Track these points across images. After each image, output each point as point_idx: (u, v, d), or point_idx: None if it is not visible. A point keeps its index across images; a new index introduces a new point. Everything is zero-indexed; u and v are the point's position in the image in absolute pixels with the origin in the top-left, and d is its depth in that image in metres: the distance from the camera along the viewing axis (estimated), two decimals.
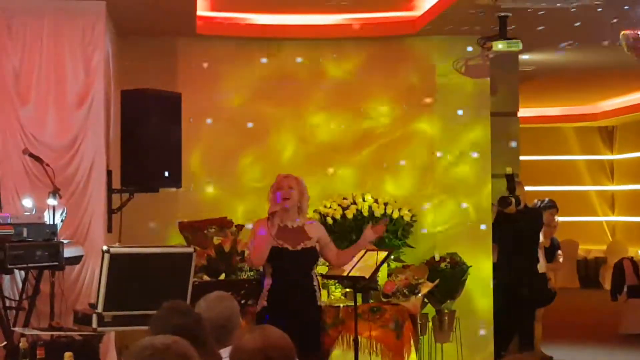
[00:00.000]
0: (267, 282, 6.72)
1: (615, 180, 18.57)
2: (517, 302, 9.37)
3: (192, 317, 3.78)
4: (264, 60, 9.56)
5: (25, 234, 6.67)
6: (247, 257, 7.59)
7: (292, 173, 7.00)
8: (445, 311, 9.03)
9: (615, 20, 7.26)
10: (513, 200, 9.24)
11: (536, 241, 9.65)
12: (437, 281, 8.62)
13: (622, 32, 6.96)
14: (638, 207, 17.42)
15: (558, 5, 7.81)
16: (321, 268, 7.55)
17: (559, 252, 10.61)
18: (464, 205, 9.50)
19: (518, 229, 9.37)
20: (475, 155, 9.57)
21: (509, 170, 9.33)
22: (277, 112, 9.54)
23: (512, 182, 9.32)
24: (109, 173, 7.89)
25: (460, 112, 9.57)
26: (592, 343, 11.53)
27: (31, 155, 7.25)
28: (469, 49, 9.35)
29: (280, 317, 6.63)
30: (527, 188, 9.93)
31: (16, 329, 6.67)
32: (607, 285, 15.10)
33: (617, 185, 18.51)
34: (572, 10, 8.04)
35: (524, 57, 10.55)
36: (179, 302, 3.96)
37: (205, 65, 9.45)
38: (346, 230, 8.78)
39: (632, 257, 13.15)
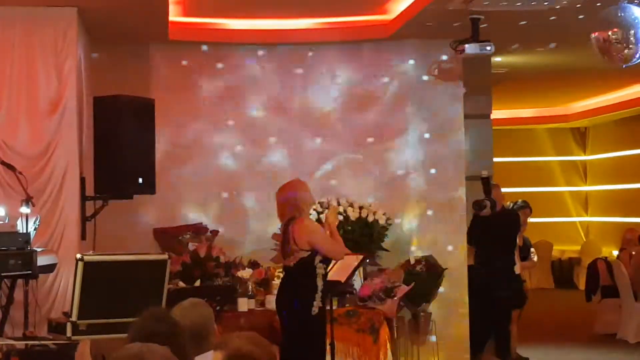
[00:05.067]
0: (319, 283, 6.86)
1: (589, 181, 18.66)
2: (493, 304, 9.38)
3: (169, 323, 3.77)
4: (237, 65, 9.55)
5: None
6: (334, 250, 7.00)
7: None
8: (422, 314, 9.03)
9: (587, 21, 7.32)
10: (488, 203, 9.24)
11: (514, 243, 9.65)
12: (412, 284, 8.63)
13: (593, 34, 6.98)
14: (611, 207, 17.51)
15: (533, 3, 7.85)
16: None
17: (532, 250, 10.65)
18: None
19: (496, 232, 9.37)
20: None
21: (484, 173, 9.34)
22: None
23: (488, 185, 9.32)
24: (83, 180, 7.85)
25: (433, 115, 9.57)
26: (567, 343, 11.57)
27: (3, 163, 7.20)
28: (442, 52, 9.38)
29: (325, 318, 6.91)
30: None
31: None
32: (582, 285, 15.16)
33: (590, 186, 18.60)
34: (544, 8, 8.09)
35: (497, 59, 10.59)
36: (158, 309, 3.94)
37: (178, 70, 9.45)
38: None
39: (606, 258, 13.19)
